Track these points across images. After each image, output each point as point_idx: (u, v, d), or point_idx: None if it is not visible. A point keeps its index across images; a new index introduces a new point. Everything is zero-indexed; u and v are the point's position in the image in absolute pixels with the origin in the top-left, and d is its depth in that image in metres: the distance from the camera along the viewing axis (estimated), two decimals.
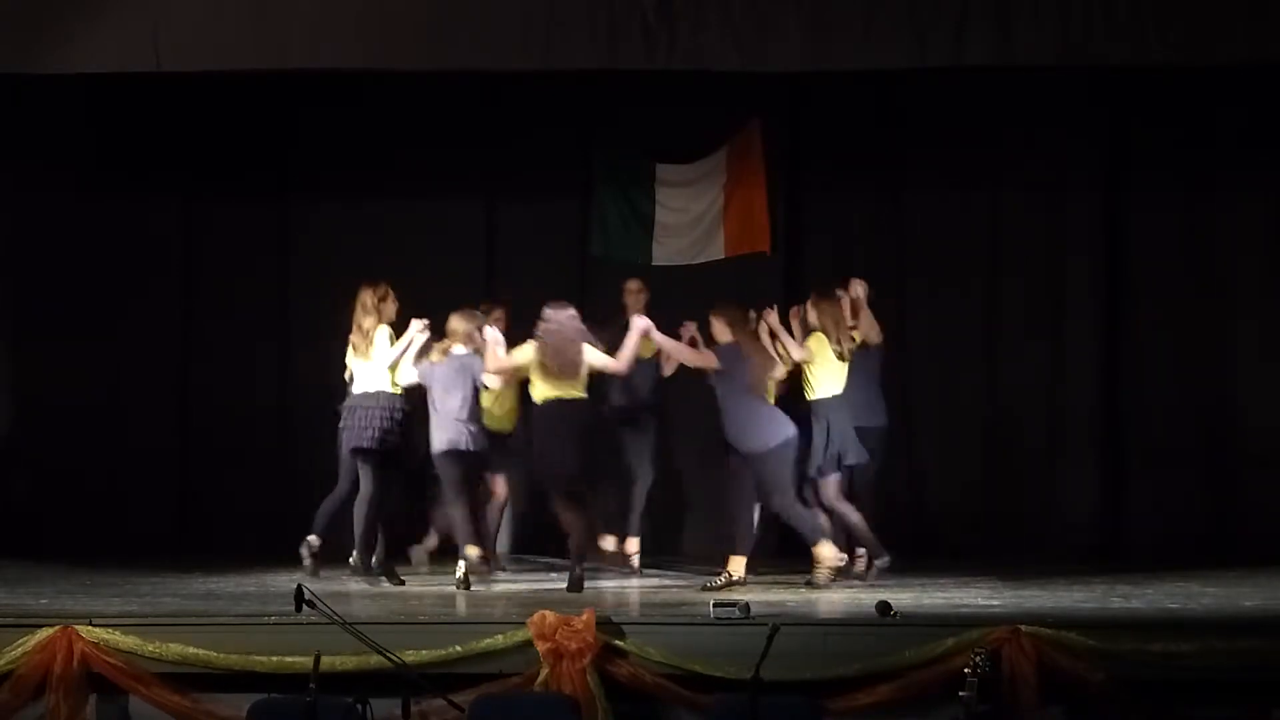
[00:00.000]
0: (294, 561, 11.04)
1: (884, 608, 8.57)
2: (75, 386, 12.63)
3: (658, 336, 10.27)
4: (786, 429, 10.00)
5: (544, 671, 8.05)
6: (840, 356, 10.29)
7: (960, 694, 7.43)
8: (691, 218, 12.89)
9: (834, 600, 9.67)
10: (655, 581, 10.70)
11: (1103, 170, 12.64)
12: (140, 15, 10.01)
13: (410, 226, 12.82)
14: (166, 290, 13.03)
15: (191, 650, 8.23)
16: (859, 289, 10.51)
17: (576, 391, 10.05)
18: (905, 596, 9.47)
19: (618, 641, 8.17)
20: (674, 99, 12.17)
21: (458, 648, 8.14)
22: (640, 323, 10.21)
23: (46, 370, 12.51)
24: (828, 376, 10.29)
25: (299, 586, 7.92)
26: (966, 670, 7.49)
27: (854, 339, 10.37)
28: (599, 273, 12.60)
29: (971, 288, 12.76)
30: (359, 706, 7.60)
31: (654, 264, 12.78)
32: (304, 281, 12.94)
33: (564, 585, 9.98)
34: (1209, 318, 12.44)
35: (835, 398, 10.29)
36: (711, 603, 8.55)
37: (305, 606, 7.85)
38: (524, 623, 8.17)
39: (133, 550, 11.82)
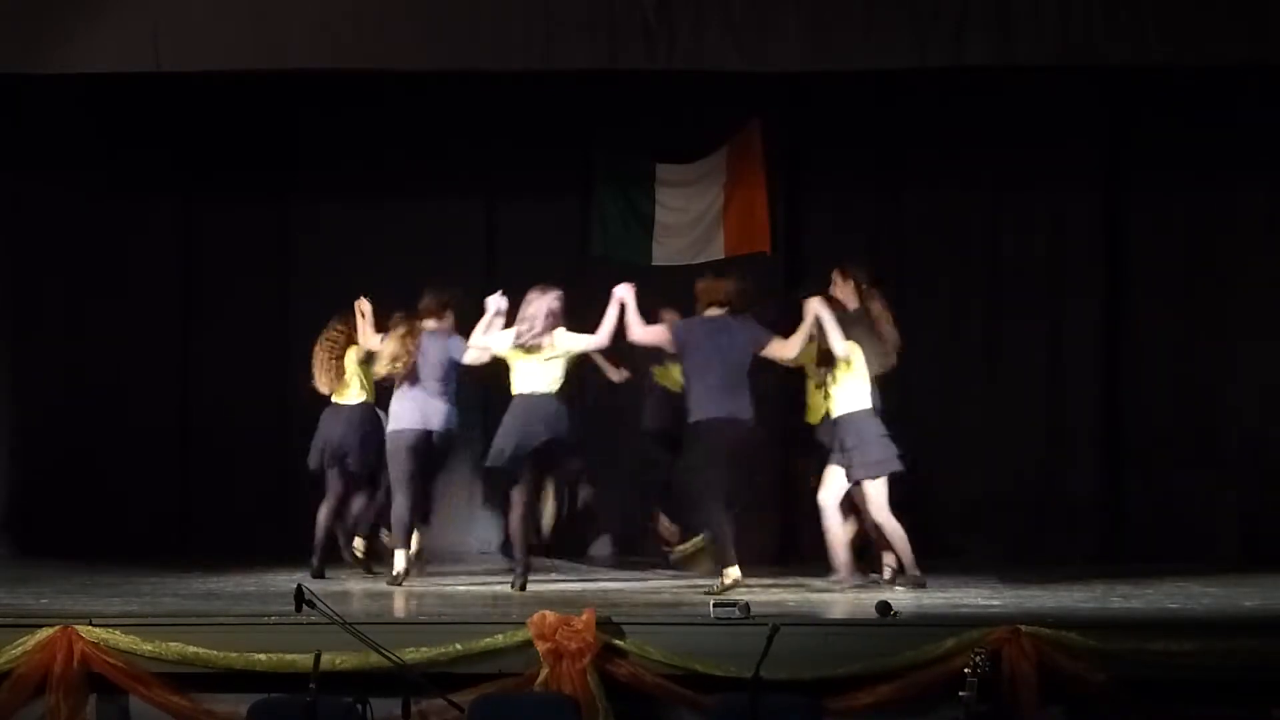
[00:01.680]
0: (294, 562, 11.07)
1: (884, 608, 8.57)
2: (75, 386, 12.64)
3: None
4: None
5: (544, 671, 8.05)
6: (523, 350, 10.20)
7: (960, 694, 7.43)
8: (691, 218, 12.89)
9: (834, 600, 9.68)
10: (655, 582, 10.69)
11: (1103, 170, 12.64)
12: (140, 15, 10.01)
13: (410, 226, 12.82)
14: (166, 290, 13.03)
15: (191, 650, 8.23)
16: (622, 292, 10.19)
17: (343, 397, 10.96)
18: (905, 596, 9.48)
19: (618, 641, 8.17)
20: (674, 99, 12.18)
21: (458, 647, 8.14)
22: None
23: (46, 370, 12.51)
24: (516, 372, 10.30)
25: (299, 586, 7.92)
26: (966, 670, 7.48)
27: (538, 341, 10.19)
28: (599, 273, 12.59)
29: (971, 288, 12.76)
30: (359, 706, 7.61)
31: (654, 264, 12.79)
32: (304, 281, 12.95)
33: (565, 585, 9.99)
34: (1209, 317, 12.44)
35: (519, 395, 10.25)
36: (711, 603, 8.55)
37: (305, 606, 7.85)
38: (524, 623, 8.17)
39: (133, 550, 11.82)
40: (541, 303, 10.18)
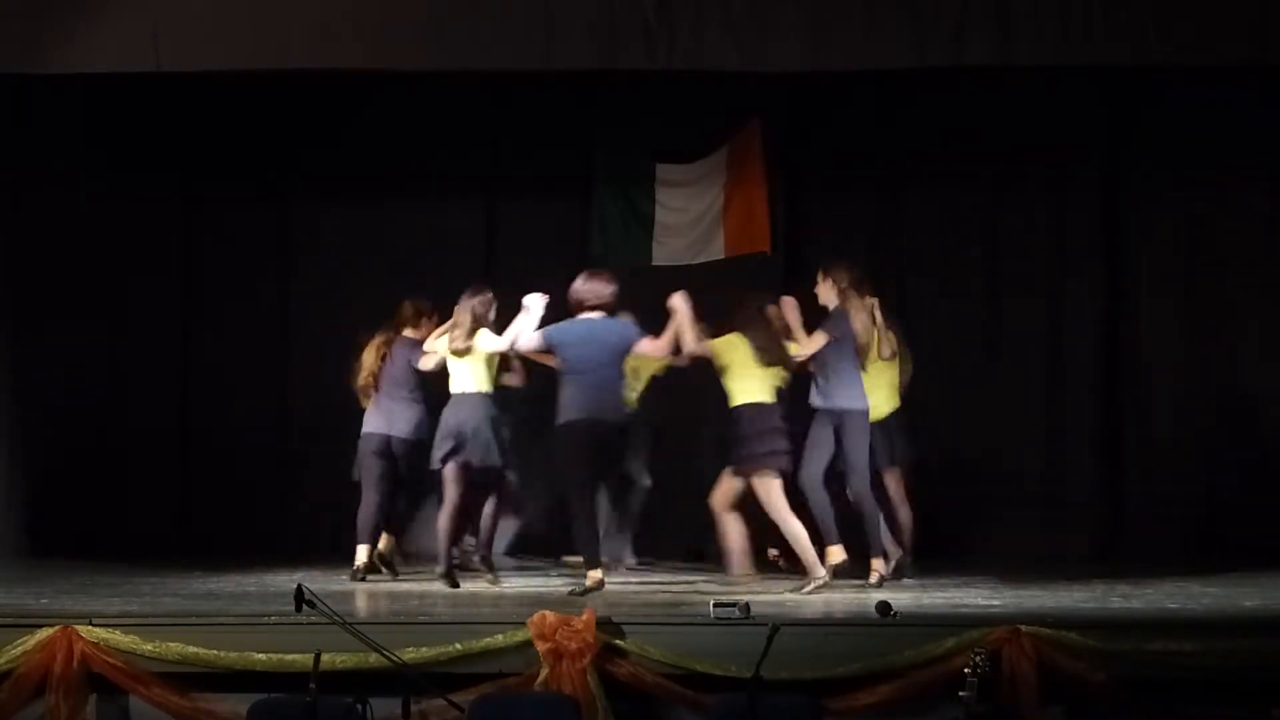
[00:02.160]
0: (294, 561, 11.07)
1: (884, 608, 8.57)
2: (75, 386, 12.63)
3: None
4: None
5: (544, 671, 8.05)
6: (454, 353, 10.36)
7: (960, 694, 7.42)
8: (691, 218, 12.89)
9: (834, 600, 9.67)
10: (655, 582, 10.70)
11: (1103, 170, 12.64)
12: (140, 15, 10.00)
13: (410, 226, 12.83)
14: (166, 290, 13.03)
15: (191, 650, 8.23)
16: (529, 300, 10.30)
17: None
18: (905, 596, 9.48)
19: (618, 641, 8.17)
20: (674, 99, 12.17)
21: (458, 647, 8.14)
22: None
23: (46, 370, 12.50)
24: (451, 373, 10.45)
25: (299, 586, 7.92)
26: (966, 670, 7.48)
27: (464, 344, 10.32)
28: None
29: (971, 287, 12.77)
30: (359, 706, 7.61)
31: (654, 264, 12.79)
32: (304, 281, 12.95)
33: (564, 586, 9.99)
34: (1209, 317, 12.45)
35: (453, 394, 10.41)
36: (711, 603, 8.55)
37: (305, 606, 7.85)
38: (524, 623, 8.17)
39: (133, 550, 11.82)
40: (466, 305, 10.36)
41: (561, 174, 12.97)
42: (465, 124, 12.69)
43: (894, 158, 12.75)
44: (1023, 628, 8.02)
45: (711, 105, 12.36)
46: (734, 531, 10.24)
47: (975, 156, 12.54)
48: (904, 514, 10.67)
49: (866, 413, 10.21)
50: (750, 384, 9.99)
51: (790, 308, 10.21)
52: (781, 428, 10.00)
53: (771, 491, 9.93)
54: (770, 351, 9.99)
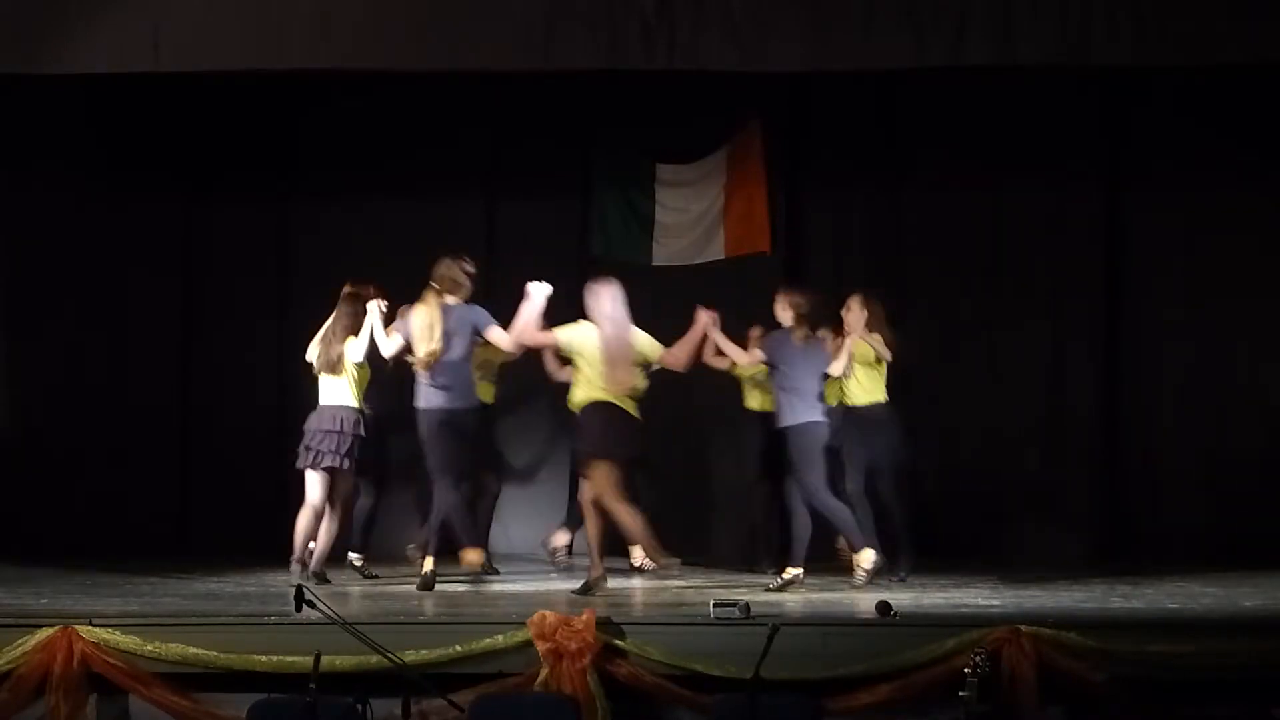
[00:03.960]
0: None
1: (884, 608, 8.58)
2: (75, 386, 12.64)
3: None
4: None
5: (544, 671, 8.06)
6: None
7: (960, 694, 7.43)
8: (691, 218, 12.89)
9: (834, 600, 9.68)
10: (655, 582, 10.70)
11: (1103, 170, 12.65)
12: (140, 15, 10.00)
13: (410, 226, 12.82)
14: (166, 290, 13.03)
15: (191, 650, 8.24)
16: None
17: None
18: (905, 596, 9.49)
19: (618, 641, 8.18)
20: (674, 99, 12.17)
21: (458, 647, 8.15)
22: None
23: (47, 370, 12.51)
24: None
25: (299, 586, 7.92)
26: (966, 670, 7.49)
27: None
28: (599, 273, 12.57)
29: (971, 287, 12.77)
30: (359, 706, 7.61)
31: (654, 264, 12.80)
32: (304, 281, 12.94)
33: (565, 585, 10.00)
34: (1209, 317, 12.44)
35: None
36: (711, 603, 8.55)
37: (305, 606, 7.85)
38: (524, 623, 8.18)
39: (133, 550, 11.82)
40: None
41: (561, 173, 12.97)
42: (465, 123, 12.69)
43: (894, 157, 12.76)
44: (1023, 628, 8.03)
45: (711, 105, 12.36)
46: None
47: (975, 156, 12.54)
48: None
49: None
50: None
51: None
52: (330, 429, 10.67)
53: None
54: (322, 354, 10.60)
